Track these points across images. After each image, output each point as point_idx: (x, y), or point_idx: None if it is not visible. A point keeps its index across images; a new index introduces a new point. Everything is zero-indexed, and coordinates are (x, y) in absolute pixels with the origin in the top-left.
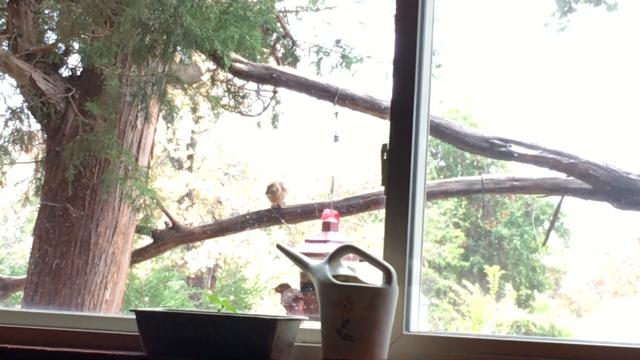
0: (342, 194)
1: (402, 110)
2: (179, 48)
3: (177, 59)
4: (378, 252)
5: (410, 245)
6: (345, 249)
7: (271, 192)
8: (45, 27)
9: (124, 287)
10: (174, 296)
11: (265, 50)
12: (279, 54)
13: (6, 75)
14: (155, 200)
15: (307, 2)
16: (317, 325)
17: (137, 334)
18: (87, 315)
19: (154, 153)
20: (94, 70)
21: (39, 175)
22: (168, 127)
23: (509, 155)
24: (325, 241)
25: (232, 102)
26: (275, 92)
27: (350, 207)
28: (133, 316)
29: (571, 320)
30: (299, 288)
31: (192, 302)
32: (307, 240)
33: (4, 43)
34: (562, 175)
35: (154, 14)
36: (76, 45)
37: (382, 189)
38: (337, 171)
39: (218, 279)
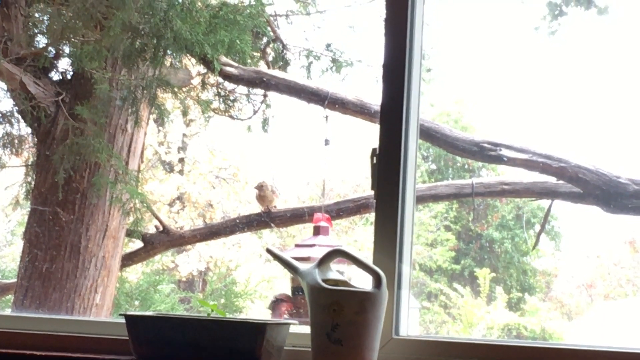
0: (333, 197)
1: (392, 114)
2: (169, 52)
3: (168, 63)
4: (369, 256)
5: (400, 249)
6: (335, 253)
7: (259, 188)
8: (36, 31)
9: (114, 291)
10: (165, 300)
11: (255, 54)
12: (269, 58)
13: None
14: (145, 204)
15: (298, 6)
16: (306, 329)
17: (127, 338)
18: (77, 319)
19: (144, 156)
20: (84, 74)
21: (29, 179)
22: (159, 130)
23: (498, 159)
24: (312, 245)
25: (222, 106)
26: (265, 95)
27: (341, 210)
28: (123, 320)
29: (562, 324)
30: (289, 293)
31: (182, 306)
32: (296, 245)
33: None
34: (552, 179)
35: (144, 18)
36: (66, 49)
37: (373, 192)
38: (328, 174)
39: (209, 282)
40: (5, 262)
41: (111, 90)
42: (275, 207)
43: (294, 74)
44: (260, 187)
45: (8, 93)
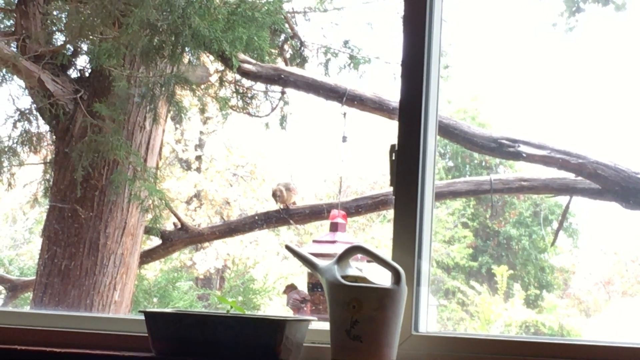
0: (350, 194)
1: (411, 111)
2: (187, 49)
3: (186, 60)
4: (387, 253)
5: (418, 246)
6: (354, 250)
7: (277, 197)
8: (54, 29)
9: (132, 288)
10: (183, 297)
11: (273, 51)
12: (287, 55)
13: (15, 77)
14: (163, 201)
15: (315, 3)
16: (326, 325)
17: (146, 334)
18: (96, 316)
19: (162, 154)
20: (103, 71)
21: (47, 176)
22: (176, 128)
23: (517, 156)
24: (333, 242)
25: (240, 103)
26: (283, 92)
27: (359, 207)
28: (142, 317)
29: (580, 320)
30: (305, 289)
31: (200, 303)
32: (314, 241)
33: (12, 44)
34: (571, 175)
35: (162, 15)
36: (84, 47)
37: (391, 189)
38: (345, 172)
39: (227, 279)
40: (24, 260)
41: (129, 88)
42: (294, 203)
43: (312, 71)
44: (275, 195)
45: (26, 91)
